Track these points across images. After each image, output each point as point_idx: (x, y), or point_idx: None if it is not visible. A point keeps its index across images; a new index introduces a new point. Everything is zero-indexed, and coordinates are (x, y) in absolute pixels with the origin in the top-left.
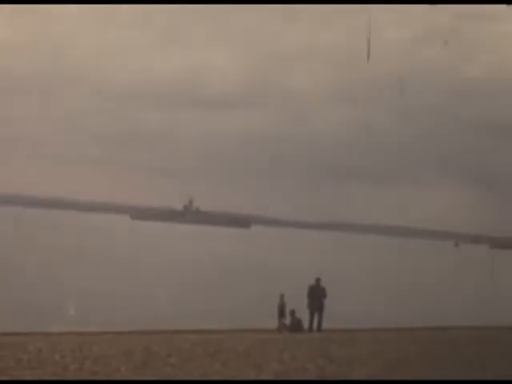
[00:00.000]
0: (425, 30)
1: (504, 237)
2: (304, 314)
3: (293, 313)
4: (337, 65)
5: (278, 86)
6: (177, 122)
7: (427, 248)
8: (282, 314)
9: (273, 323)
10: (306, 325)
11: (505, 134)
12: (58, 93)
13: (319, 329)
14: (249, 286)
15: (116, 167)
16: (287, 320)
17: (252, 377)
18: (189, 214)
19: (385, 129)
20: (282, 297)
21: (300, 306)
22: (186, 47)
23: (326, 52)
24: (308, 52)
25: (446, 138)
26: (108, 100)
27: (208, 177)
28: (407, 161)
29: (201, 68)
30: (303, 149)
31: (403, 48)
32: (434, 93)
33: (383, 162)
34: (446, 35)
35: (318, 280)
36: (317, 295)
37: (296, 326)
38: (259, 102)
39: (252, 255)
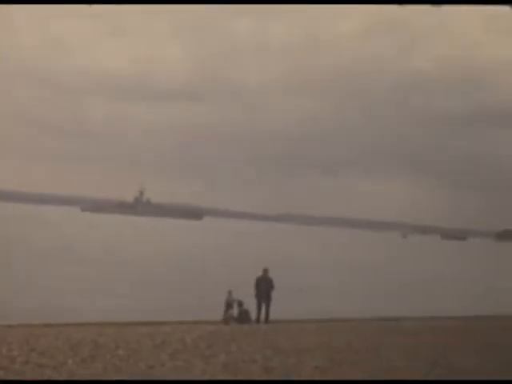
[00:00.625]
0: (374, 21)
1: (454, 228)
2: (253, 306)
3: (240, 304)
4: (285, 58)
5: (227, 78)
6: (126, 114)
7: (376, 239)
8: (229, 305)
9: (221, 315)
10: (253, 316)
11: (452, 125)
12: (5, 85)
13: (267, 320)
14: (198, 277)
15: (65, 159)
16: (235, 311)
17: (199, 368)
18: (140, 206)
19: (333, 120)
20: (230, 291)
21: (249, 298)
22: (136, 40)
23: (274, 45)
24: (257, 45)
25: (394, 129)
26: (57, 92)
27: (159, 169)
28: (356, 152)
29: (151, 61)
30: (254, 140)
31: (352, 39)
32: (383, 84)
33: (332, 154)
34: (395, 27)
35: (265, 271)
36: (264, 286)
37: (244, 318)
38: (209, 95)
39: (203, 246)
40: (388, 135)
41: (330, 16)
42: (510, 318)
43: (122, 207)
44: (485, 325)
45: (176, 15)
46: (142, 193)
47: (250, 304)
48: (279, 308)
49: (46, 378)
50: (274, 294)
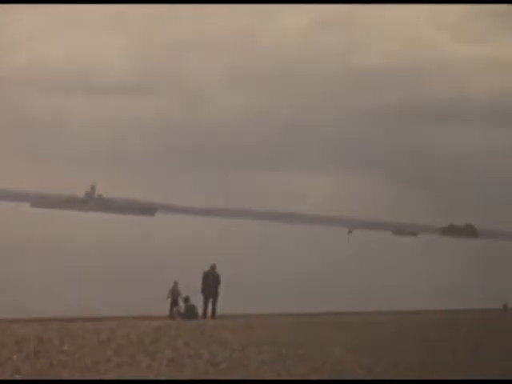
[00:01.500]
0: (320, 16)
1: (406, 223)
2: (200, 301)
3: (187, 299)
4: (232, 52)
5: (172, 73)
6: (72, 109)
7: (321, 234)
8: (174, 300)
9: (168, 310)
10: (200, 311)
11: (393, 121)
12: None
13: (213, 315)
14: (146, 272)
15: (12, 154)
16: (182, 306)
17: (144, 364)
18: (91, 201)
19: (273, 115)
20: (175, 283)
21: (196, 293)
22: (76, 34)
23: (221, 39)
24: (203, 39)
25: (336, 123)
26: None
27: (108, 164)
28: (297, 147)
29: (95, 55)
30: (193, 135)
31: (298, 34)
32: (326, 80)
33: (272, 148)
34: (341, 22)
35: (212, 266)
36: (211, 281)
37: (190, 313)
38: (154, 89)
39: (154, 242)
40: (331, 131)
41: (276, 11)
42: (449, 312)
43: (73, 202)
44: (427, 319)
45: (116, 10)
46: (93, 188)
47: (197, 299)
48: (226, 303)
49: None
50: (221, 289)
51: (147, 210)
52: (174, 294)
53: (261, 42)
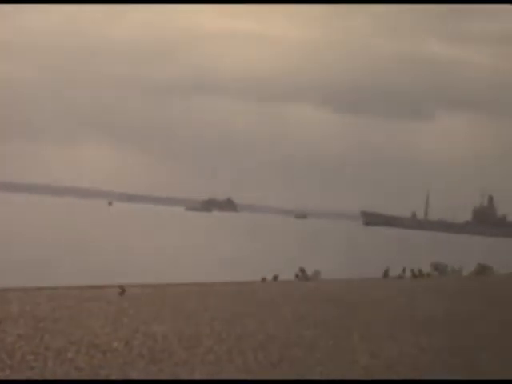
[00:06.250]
0: None
1: (167, 196)
2: None
3: None
4: None
5: None
6: None
7: (80, 206)
8: None
9: None
10: None
11: (149, 94)
12: None
13: None
14: None
15: None
16: None
17: None
18: None
19: (29, 83)
20: None
21: None
22: None
23: None
24: None
25: (91, 95)
26: None
27: None
28: (53, 118)
29: None
30: None
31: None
32: (80, 50)
33: (27, 119)
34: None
35: None
36: None
37: None
38: None
39: None
40: (86, 102)
41: None
42: (207, 284)
43: None
44: (181, 291)
45: None
46: None
47: None
48: None
49: None
50: None
51: None
52: None
53: (24, 10)
